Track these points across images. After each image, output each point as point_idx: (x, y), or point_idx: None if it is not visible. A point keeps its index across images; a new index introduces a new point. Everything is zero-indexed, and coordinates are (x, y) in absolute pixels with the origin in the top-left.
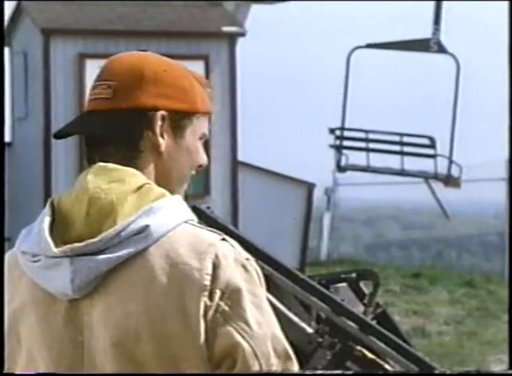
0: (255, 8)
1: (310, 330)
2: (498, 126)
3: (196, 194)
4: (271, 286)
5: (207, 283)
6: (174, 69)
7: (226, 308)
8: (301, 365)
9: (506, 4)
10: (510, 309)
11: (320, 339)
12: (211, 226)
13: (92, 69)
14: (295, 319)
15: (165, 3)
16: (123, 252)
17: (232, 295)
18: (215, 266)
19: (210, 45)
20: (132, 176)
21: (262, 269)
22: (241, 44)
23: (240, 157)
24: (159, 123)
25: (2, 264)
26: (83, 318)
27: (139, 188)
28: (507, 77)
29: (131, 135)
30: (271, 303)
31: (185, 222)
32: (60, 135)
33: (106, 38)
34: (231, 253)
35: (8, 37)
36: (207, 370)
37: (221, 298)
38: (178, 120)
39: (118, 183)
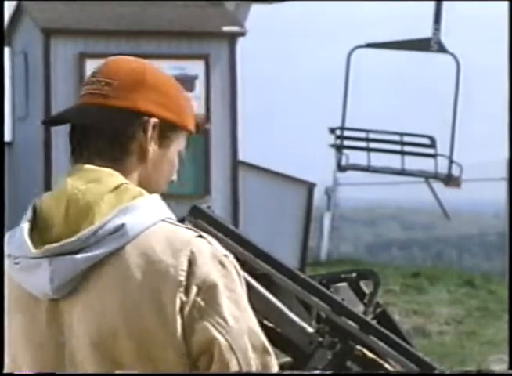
0: (255, 7)
1: (310, 329)
2: (498, 126)
3: (197, 194)
4: (271, 286)
5: (183, 279)
6: (172, 82)
7: (202, 303)
8: (302, 364)
9: (506, 4)
10: (510, 308)
11: (321, 339)
12: (212, 226)
13: (93, 69)
14: (296, 318)
15: (166, 3)
16: (100, 251)
17: (209, 291)
18: (191, 262)
19: (211, 45)
20: (109, 176)
21: (262, 268)
22: (241, 43)
23: (240, 157)
24: (151, 129)
25: (2, 264)
26: (64, 318)
27: (116, 187)
28: (507, 76)
29: (124, 135)
30: (271, 303)
31: (163, 220)
32: (56, 121)
33: (107, 38)
34: (207, 249)
35: (8, 37)
36: (184, 367)
37: (197, 294)
38: (168, 131)
39: (95, 183)
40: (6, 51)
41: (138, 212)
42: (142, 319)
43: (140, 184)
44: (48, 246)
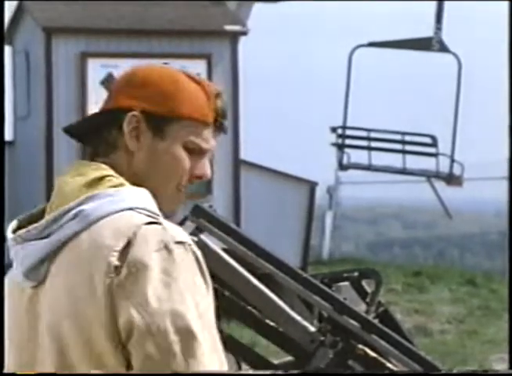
0: (257, 6)
1: (312, 328)
2: (500, 125)
3: (198, 193)
4: (273, 285)
5: (113, 259)
6: (162, 74)
7: (128, 284)
8: (304, 363)
9: (506, 3)
10: (510, 307)
11: (322, 338)
12: (213, 225)
13: (94, 68)
14: (297, 317)
15: (167, 2)
16: (59, 237)
17: (138, 272)
18: (128, 244)
19: (213, 44)
20: (95, 170)
21: (264, 267)
22: (243, 43)
23: (242, 156)
24: (131, 123)
25: (2, 264)
26: (38, 304)
27: (99, 179)
28: (507, 76)
29: (109, 133)
30: (273, 302)
31: (131, 209)
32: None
33: (108, 37)
34: (156, 234)
35: (9, 36)
36: (116, 350)
37: (126, 275)
38: (157, 122)
39: (81, 176)
40: (8, 50)
41: (104, 200)
42: (80, 302)
43: (137, 177)
44: (19, 232)
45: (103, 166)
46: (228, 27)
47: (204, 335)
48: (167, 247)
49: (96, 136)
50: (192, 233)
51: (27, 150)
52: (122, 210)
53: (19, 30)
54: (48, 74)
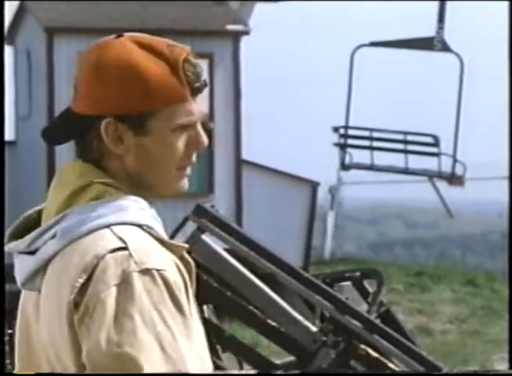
0: (259, 6)
1: (314, 328)
2: (502, 125)
3: (200, 193)
4: (274, 285)
5: (74, 296)
6: (120, 66)
7: (85, 323)
8: (306, 363)
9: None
10: (510, 307)
11: (324, 338)
12: (215, 225)
13: None
14: (299, 317)
15: (169, 2)
16: (43, 255)
17: (94, 312)
18: (89, 278)
19: (214, 44)
20: (81, 176)
21: (266, 267)
22: (245, 42)
23: (244, 156)
24: (109, 130)
25: (3, 263)
26: (39, 309)
27: (82, 188)
28: (507, 76)
29: (84, 140)
30: (275, 302)
31: (108, 226)
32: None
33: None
34: (118, 265)
35: (11, 36)
36: None
37: (83, 314)
38: (134, 121)
39: (67, 184)
40: (9, 50)
41: (81, 218)
42: (55, 331)
43: (133, 178)
44: (11, 244)
45: (91, 169)
46: (230, 27)
47: (166, 370)
48: (127, 280)
49: (80, 142)
50: (193, 234)
51: (28, 149)
52: (97, 229)
53: (20, 30)
54: (50, 73)
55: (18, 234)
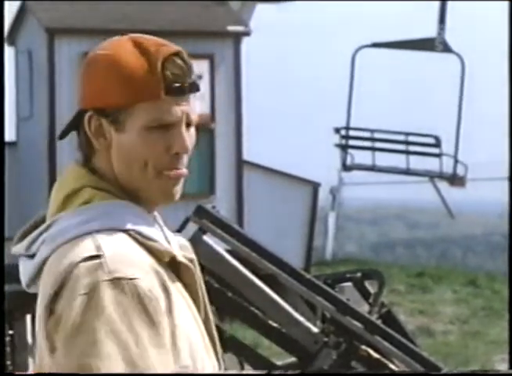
0: (260, 7)
1: (315, 329)
2: (503, 125)
3: (201, 193)
4: (276, 286)
5: (49, 304)
6: (99, 62)
7: (53, 334)
8: (307, 364)
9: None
10: (510, 308)
11: (325, 339)
12: (216, 226)
13: None
14: (300, 318)
15: (170, 2)
16: (37, 260)
17: (60, 322)
18: (61, 288)
19: (215, 45)
20: (75, 180)
21: (267, 268)
22: (246, 43)
23: (245, 157)
24: (91, 124)
25: (2, 264)
26: None
27: (74, 192)
28: (508, 77)
29: (80, 137)
30: (276, 303)
31: (90, 233)
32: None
33: (111, 38)
34: (88, 275)
35: (12, 36)
36: None
37: (54, 324)
38: (112, 116)
39: (62, 188)
40: (10, 51)
41: (66, 224)
42: (39, 333)
43: (119, 177)
44: (15, 247)
45: (84, 173)
46: (231, 28)
47: None
48: (95, 290)
49: (79, 140)
50: (194, 235)
51: (29, 150)
52: (80, 235)
53: (22, 31)
54: (51, 74)
55: (26, 236)
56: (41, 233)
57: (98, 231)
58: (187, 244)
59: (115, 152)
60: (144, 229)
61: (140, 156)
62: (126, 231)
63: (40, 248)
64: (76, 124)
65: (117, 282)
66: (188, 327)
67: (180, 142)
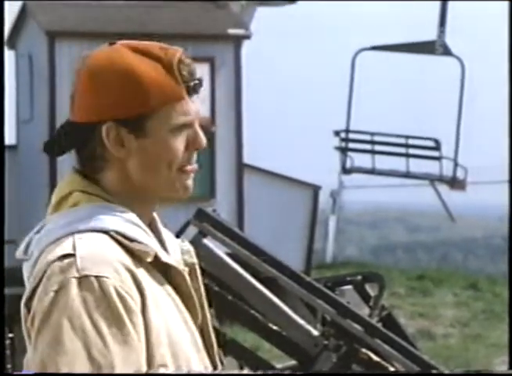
0: (260, 10)
1: (315, 332)
2: (503, 128)
3: (202, 197)
4: (276, 288)
5: (26, 301)
6: (115, 70)
7: (30, 331)
8: (307, 367)
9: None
10: (510, 310)
11: (326, 342)
12: (217, 229)
13: None
14: (301, 321)
15: (171, 5)
16: (30, 263)
17: (34, 319)
18: (37, 286)
19: (216, 48)
20: (68, 184)
21: (267, 271)
22: (246, 46)
23: (245, 160)
24: (110, 134)
25: (2, 264)
26: None
27: (65, 197)
28: (508, 80)
29: (85, 150)
30: (276, 306)
31: (73, 233)
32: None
33: (112, 41)
34: (60, 272)
35: (13, 39)
36: None
37: (30, 322)
38: (134, 123)
39: (57, 193)
40: (11, 54)
41: (53, 226)
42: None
43: (137, 185)
44: (18, 251)
45: (76, 178)
46: (232, 31)
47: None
48: (65, 287)
49: (82, 154)
50: (195, 238)
51: (29, 153)
52: (62, 237)
53: (22, 34)
54: (52, 77)
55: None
56: (32, 238)
57: (79, 232)
58: (190, 248)
59: (137, 157)
60: (127, 231)
61: (166, 158)
62: (107, 232)
63: (33, 250)
64: (81, 138)
65: (84, 279)
66: (171, 327)
67: (199, 139)
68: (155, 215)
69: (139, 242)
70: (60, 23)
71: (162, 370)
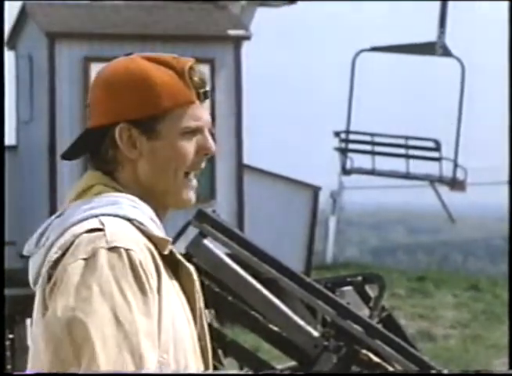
0: (260, 11)
1: (316, 333)
2: (503, 129)
3: (202, 198)
4: (276, 289)
5: (47, 269)
6: (130, 75)
7: (51, 293)
8: (307, 368)
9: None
10: (510, 311)
11: (326, 343)
12: (217, 230)
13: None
14: (301, 322)
15: (171, 7)
16: (44, 249)
17: (59, 282)
18: (63, 254)
19: (216, 49)
20: (89, 179)
21: (267, 272)
22: (246, 47)
23: (246, 161)
24: (123, 135)
25: (2, 264)
26: None
27: (87, 189)
28: (508, 80)
29: (99, 153)
30: (277, 307)
31: (96, 216)
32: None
33: (112, 42)
34: (90, 242)
35: (13, 40)
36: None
37: (52, 285)
38: (146, 125)
39: (76, 188)
40: (11, 55)
41: (76, 210)
42: (36, 311)
43: (146, 185)
44: (27, 246)
45: (97, 174)
46: (232, 32)
47: (112, 344)
48: (94, 255)
49: (95, 156)
50: (195, 239)
51: (30, 154)
52: (86, 219)
53: (22, 35)
54: (52, 78)
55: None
56: (50, 224)
57: (103, 215)
58: (191, 267)
59: (148, 159)
60: (147, 222)
61: (175, 160)
62: (129, 220)
63: (49, 235)
64: (95, 141)
65: (114, 249)
66: (176, 320)
67: (209, 144)
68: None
69: (155, 232)
70: (60, 24)
71: (165, 356)
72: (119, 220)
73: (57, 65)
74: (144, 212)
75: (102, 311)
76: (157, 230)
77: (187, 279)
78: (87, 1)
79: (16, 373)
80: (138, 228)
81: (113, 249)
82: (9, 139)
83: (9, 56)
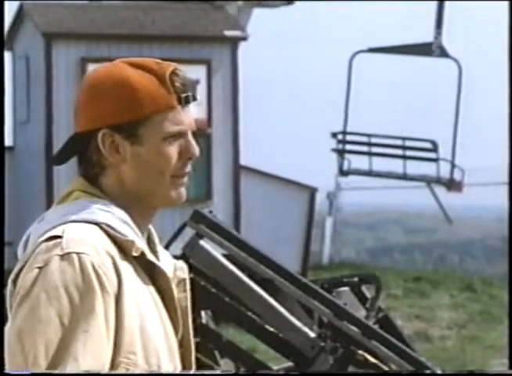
0: (257, 12)
1: (312, 334)
2: (500, 130)
3: (199, 199)
4: (273, 290)
5: (13, 279)
6: (111, 81)
7: (15, 305)
8: (304, 369)
9: (506, 4)
10: (510, 312)
11: (322, 343)
12: (214, 231)
13: None
14: (297, 323)
15: (168, 7)
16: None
17: (16, 294)
18: (24, 264)
19: (213, 49)
20: (71, 184)
21: (264, 273)
22: (243, 48)
23: (242, 162)
24: (105, 141)
25: (2, 265)
26: None
27: (67, 195)
28: (507, 81)
29: (85, 157)
30: (273, 308)
31: (65, 223)
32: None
33: (109, 42)
34: (45, 251)
35: (10, 41)
36: None
37: (16, 294)
38: (128, 130)
39: (62, 192)
40: (8, 55)
41: (50, 217)
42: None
43: (131, 190)
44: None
45: (78, 180)
46: (228, 33)
47: (54, 349)
48: (48, 263)
49: (82, 161)
50: (191, 239)
51: (26, 154)
52: (54, 227)
53: (19, 36)
54: (49, 79)
55: None
56: (33, 229)
57: (72, 221)
58: (184, 266)
59: (131, 164)
60: (116, 225)
61: (159, 164)
62: (97, 224)
63: (31, 240)
64: (80, 147)
65: (66, 256)
66: (146, 320)
67: (192, 148)
68: (151, 229)
69: (125, 235)
70: (57, 24)
71: (131, 357)
72: (84, 225)
73: (54, 65)
74: (116, 216)
75: (48, 316)
76: (131, 233)
77: (161, 279)
78: (84, 2)
79: (15, 373)
80: (105, 231)
81: (66, 255)
82: (6, 139)
83: (5, 57)
